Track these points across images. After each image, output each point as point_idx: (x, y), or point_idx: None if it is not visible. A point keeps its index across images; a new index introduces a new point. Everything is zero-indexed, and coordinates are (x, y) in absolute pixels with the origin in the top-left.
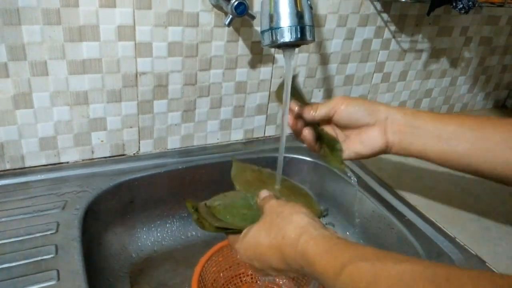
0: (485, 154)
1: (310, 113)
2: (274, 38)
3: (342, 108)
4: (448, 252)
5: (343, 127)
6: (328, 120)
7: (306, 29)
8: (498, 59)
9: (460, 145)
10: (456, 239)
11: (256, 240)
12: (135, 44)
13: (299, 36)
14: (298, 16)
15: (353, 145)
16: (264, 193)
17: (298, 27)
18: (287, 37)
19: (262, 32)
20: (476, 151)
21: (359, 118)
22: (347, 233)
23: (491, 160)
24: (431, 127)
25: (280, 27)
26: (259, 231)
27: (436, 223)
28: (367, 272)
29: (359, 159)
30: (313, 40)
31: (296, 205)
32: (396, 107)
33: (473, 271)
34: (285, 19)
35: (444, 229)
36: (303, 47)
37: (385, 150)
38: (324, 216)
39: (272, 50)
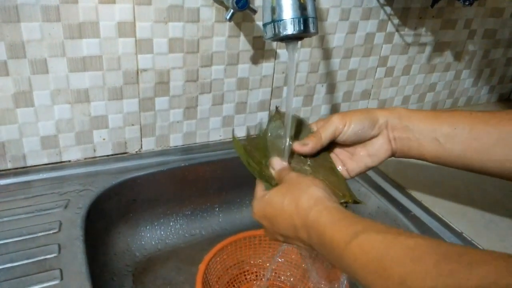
0: (478, 155)
1: (317, 147)
2: (276, 31)
3: (346, 129)
4: None
5: (349, 145)
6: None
7: (309, 21)
8: (503, 52)
9: (455, 147)
10: (463, 234)
11: (271, 202)
12: (136, 40)
13: (302, 28)
14: (301, 7)
15: (362, 160)
16: (277, 162)
17: (301, 19)
18: (290, 29)
19: (264, 25)
20: (470, 152)
21: (365, 132)
22: None
23: (483, 159)
24: (425, 130)
25: (283, 19)
26: (276, 195)
27: (442, 218)
28: (378, 243)
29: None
30: (316, 32)
31: (315, 179)
32: (389, 110)
33: (487, 250)
34: (288, 11)
35: (451, 224)
36: (306, 41)
37: (390, 157)
38: (357, 203)
39: (274, 45)
